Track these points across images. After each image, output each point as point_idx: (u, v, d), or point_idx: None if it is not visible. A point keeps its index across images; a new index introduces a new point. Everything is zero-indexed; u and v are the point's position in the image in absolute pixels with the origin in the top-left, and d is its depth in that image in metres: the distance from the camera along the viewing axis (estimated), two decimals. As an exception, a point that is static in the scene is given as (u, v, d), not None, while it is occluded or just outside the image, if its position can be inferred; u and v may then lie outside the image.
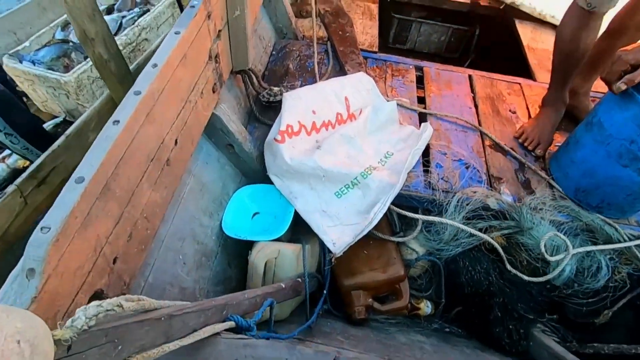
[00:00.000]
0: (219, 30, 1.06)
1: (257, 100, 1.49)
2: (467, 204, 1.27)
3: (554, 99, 1.48)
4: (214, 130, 1.15)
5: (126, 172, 0.67)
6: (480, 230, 1.29)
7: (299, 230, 1.28)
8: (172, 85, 0.80)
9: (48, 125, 1.62)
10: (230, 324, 0.63)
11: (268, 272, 1.09)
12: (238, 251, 1.23)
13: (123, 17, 1.90)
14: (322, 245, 1.22)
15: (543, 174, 1.39)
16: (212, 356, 0.57)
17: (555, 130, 1.50)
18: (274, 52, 1.75)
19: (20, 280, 0.48)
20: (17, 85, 1.63)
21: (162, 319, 0.50)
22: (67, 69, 1.61)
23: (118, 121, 0.64)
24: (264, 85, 1.49)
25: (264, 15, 1.75)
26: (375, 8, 2.17)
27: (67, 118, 1.64)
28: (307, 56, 1.75)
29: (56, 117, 1.70)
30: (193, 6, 0.90)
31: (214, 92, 1.08)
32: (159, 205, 0.83)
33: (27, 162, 1.39)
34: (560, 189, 1.34)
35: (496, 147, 1.47)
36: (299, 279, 1.07)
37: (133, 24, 1.80)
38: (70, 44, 1.69)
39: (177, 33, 0.81)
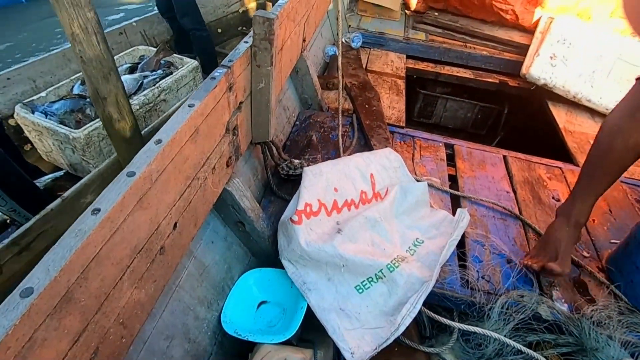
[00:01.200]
0: (240, 102, 0.99)
1: (275, 172, 1.39)
2: (514, 312, 1.06)
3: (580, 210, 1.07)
4: (224, 206, 1.03)
5: (100, 274, 0.53)
6: (530, 345, 1.05)
7: (310, 327, 1.07)
8: (177, 163, 0.69)
9: (47, 179, 1.56)
10: None
11: (269, 388, 0.87)
12: (237, 350, 1.03)
13: (145, 77, 1.93)
14: (337, 350, 1.00)
15: (602, 277, 1.17)
16: None
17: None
18: (297, 122, 1.69)
19: None
20: (23, 132, 1.61)
21: None
22: (79, 124, 1.59)
23: (98, 210, 0.52)
24: (284, 156, 1.40)
25: (290, 85, 1.73)
26: (402, 83, 2.16)
27: (69, 171, 1.58)
28: (331, 128, 1.68)
29: (58, 168, 1.65)
30: (214, 78, 0.83)
31: (228, 166, 0.97)
32: (142, 304, 0.67)
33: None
34: (626, 299, 1.11)
35: (543, 240, 1.28)
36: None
37: (154, 84, 1.81)
38: (88, 99, 1.69)
39: (190, 106, 0.73)
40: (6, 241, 0.98)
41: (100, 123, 1.52)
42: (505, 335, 1.03)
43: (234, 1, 3.47)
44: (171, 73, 1.96)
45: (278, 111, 1.54)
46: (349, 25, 2.60)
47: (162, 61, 2.15)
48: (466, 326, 1.04)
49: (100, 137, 1.53)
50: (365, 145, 1.63)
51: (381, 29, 2.57)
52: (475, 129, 2.67)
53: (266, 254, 1.16)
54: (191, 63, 2.11)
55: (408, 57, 2.48)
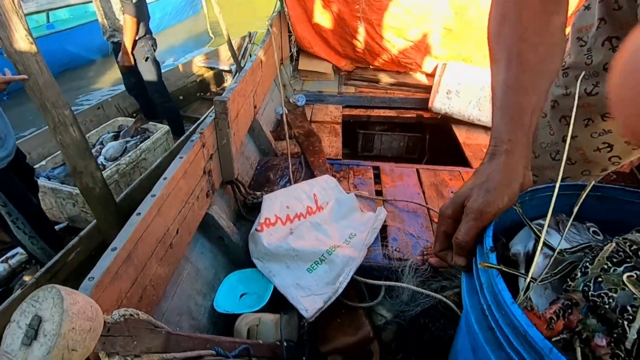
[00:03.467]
0: (211, 154, 1.50)
1: (244, 204, 1.86)
2: (420, 268, 1.52)
3: None
4: (208, 226, 1.49)
5: (142, 248, 0.98)
6: (435, 290, 1.51)
7: (280, 304, 1.49)
8: (176, 191, 1.17)
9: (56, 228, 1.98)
10: (212, 352, 0.86)
11: (251, 339, 1.28)
12: (228, 327, 1.43)
13: (127, 142, 2.44)
14: (300, 316, 1.42)
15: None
16: (196, 371, 0.79)
17: None
18: (258, 167, 2.21)
19: None
20: None
21: (163, 332, 0.75)
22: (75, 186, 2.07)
23: (140, 214, 0.98)
24: (249, 191, 1.89)
25: (249, 140, 2.27)
26: (339, 127, 2.76)
27: (69, 224, 2.00)
28: (285, 167, 2.21)
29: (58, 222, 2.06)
30: (193, 140, 1.34)
31: (207, 197, 1.45)
32: (163, 278, 1.11)
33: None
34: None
35: (440, 221, 1.79)
36: (277, 342, 1.26)
37: (136, 147, 2.31)
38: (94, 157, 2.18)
39: (180, 157, 1.22)
40: (42, 270, 1.38)
41: None
42: (415, 285, 1.49)
43: (192, 73, 4.19)
44: (148, 137, 2.49)
45: (241, 160, 2.05)
46: (294, 89, 3.25)
47: (139, 128, 2.70)
48: (387, 283, 1.49)
49: None
50: (312, 176, 2.14)
51: (320, 89, 3.24)
52: (409, 154, 3.27)
53: (242, 260, 1.60)
54: (163, 128, 2.65)
55: (344, 107, 3.12)
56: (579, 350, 0.36)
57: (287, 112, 2.73)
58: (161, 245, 1.08)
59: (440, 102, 2.82)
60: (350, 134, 3.14)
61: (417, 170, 2.21)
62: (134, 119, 2.76)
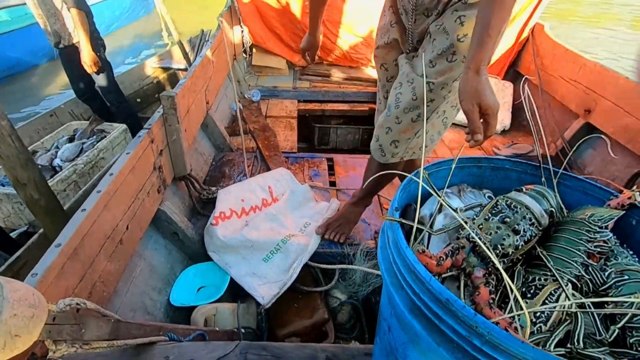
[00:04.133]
0: (161, 150, 1.49)
1: (199, 199, 1.87)
2: (372, 252, 1.62)
3: (365, 200, 1.69)
4: (160, 222, 1.48)
5: (89, 244, 0.98)
6: (385, 271, 1.61)
7: (238, 295, 1.53)
8: (124, 186, 1.16)
9: (14, 234, 1.87)
10: (164, 337, 0.88)
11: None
12: (186, 320, 1.44)
13: (83, 143, 2.37)
14: (258, 304, 1.46)
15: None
16: (149, 355, 0.82)
17: None
18: (213, 163, 2.20)
19: None
20: None
21: (112, 320, 0.77)
22: None
23: (84, 209, 0.98)
24: (204, 187, 1.89)
25: (203, 136, 2.26)
26: (294, 122, 2.81)
27: (28, 230, 1.90)
28: (240, 162, 2.22)
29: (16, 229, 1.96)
30: (140, 136, 1.33)
31: (158, 192, 1.45)
32: (113, 274, 1.10)
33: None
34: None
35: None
36: (235, 329, 1.30)
37: (92, 147, 2.23)
38: (40, 167, 2.06)
39: (127, 153, 1.22)
40: (2, 267, 1.32)
41: (55, 181, 1.88)
42: (367, 267, 1.58)
43: (147, 75, 4.07)
44: (104, 137, 2.41)
45: (195, 156, 2.04)
46: (249, 85, 3.25)
47: (95, 129, 2.59)
48: (340, 266, 1.57)
49: (56, 192, 1.88)
50: (268, 170, 2.18)
51: (274, 84, 3.26)
52: (364, 146, 3.39)
53: (198, 254, 1.61)
54: (121, 126, 2.58)
55: (299, 101, 3.17)
56: (462, 281, 0.44)
57: (242, 107, 2.74)
58: (110, 241, 1.08)
59: (389, 96, 2.95)
60: (306, 128, 3.19)
61: (369, 159, 2.31)
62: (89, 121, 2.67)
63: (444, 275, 0.46)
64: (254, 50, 3.39)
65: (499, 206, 0.50)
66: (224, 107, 2.76)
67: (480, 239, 0.46)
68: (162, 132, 1.50)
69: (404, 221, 0.48)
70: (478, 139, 0.69)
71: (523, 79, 1.51)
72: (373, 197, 1.75)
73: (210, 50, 2.29)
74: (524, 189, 0.54)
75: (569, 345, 0.38)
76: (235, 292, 1.56)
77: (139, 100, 3.84)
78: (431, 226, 0.55)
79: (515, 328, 0.37)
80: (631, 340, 0.40)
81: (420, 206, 0.61)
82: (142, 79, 3.99)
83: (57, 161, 2.26)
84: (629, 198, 0.52)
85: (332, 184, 2.14)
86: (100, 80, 2.82)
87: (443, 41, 1.11)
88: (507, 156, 2.46)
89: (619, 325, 0.40)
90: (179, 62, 4.17)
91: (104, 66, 2.81)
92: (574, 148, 2.19)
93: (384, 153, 1.37)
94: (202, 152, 2.16)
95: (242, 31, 3.18)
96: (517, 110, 2.86)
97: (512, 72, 3.10)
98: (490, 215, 0.49)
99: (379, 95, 1.59)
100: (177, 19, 4.06)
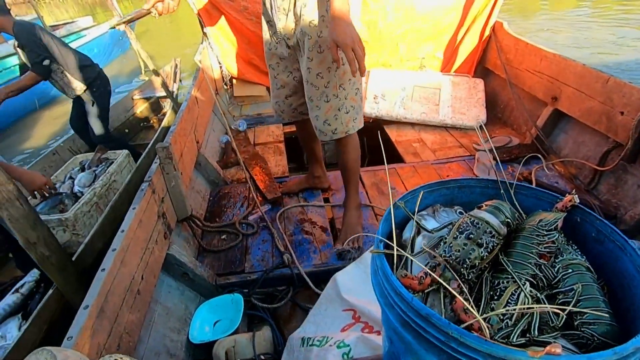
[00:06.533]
0: (162, 197, 1.58)
1: (202, 237, 1.95)
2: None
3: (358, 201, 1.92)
4: (171, 265, 1.57)
5: (112, 300, 1.06)
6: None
7: (252, 323, 1.61)
8: (134, 240, 1.25)
9: None
10: (194, 376, 0.96)
11: (230, 360, 1.38)
12: (207, 356, 1.51)
13: (94, 170, 2.65)
14: (273, 329, 1.54)
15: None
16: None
17: None
18: (210, 198, 2.29)
19: None
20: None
21: (146, 368, 0.85)
22: (62, 212, 2.15)
23: (104, 269, 1.06)
24: (206, 224, 1.98)
25: (198, 175, 2.35)
26: (282, 146, 2.92)
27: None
28: (236, 194, 2.31)
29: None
30: (142, 189, 1.42)
31: (165, 238, 1.53)
32: (136, 324, 1.18)
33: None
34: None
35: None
36: (254, 358, 1.37)
37: (104, 172, 2.52)
38: (64, 194, 2.31)
39: (133, 208, 1.31)
40: (27, 324, 1.41)
41: (81, 204, 2.07)
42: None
43: (131, 106, 4.33)
44: (112, 163, 2.67)
45: (193, 195, 2.13)
46: (233, 115, 3.36)
47: (101, 158, 2.82)
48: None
49: (83, 214, 2.09)
50: (264, 198, 2.27)
51: (258, 111, 3.38)
52: (352, 159, 3.51)
53: (209, 290, 1.69)
54: (123, 152, 2.80)
55: (284, 124, 3.29)
56: (441, 293, 0.54)
57: (232, 138, 2.84)
58: (129, 294, 1.16)
59: (369, 107, 3.08)
60: (295, 149, 3.30)
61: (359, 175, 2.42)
62: (92, 153, 2.94)
63: (427, 290, 0.56)
64: (234, 82, 3.51)
65: (464, 224, 0.60)
66: (212, 142, 2.86)
67: (448, 257, 0.56)
68: (161, 181, 1.59)
69: (386, 252, 0.58)
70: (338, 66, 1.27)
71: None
72: (358, 189, 1.96)
73: (193, 92, 2.40)
74: (483, 206, 0.64)
75: (527, 335, 0.48)
76: (250, 321, 1.64)
77: (127, 130, 4.12)
78: (412, 247, 0.65)
79: (479, 328, 0.47)
80: (576, 323, 0.50)
81: (402, 231, 0.72)
82: (126, 110, 4.27)
83: (76, 188, 2.56)
84: (570, 201, 0.63)
85: (326, 200, 2.24)
86: (95, 127, 3.04)
87: (307, 42, 1.52)
88: (486, 150, 2.58)
89: (566, 312, 0.49)
90: (159, 90, 4.42)
91: (100, 114, 3.04)
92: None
93: (325, 134, 1.73)
94: (198, 190, 2.25)
95: (221, 66, 3.31)
96: (490, 105, 3.01)
97: (481, 69, 3.26)
98: (457, 234, 0.59)
99: None
100: (153, 52, 4.25)
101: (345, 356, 1.18)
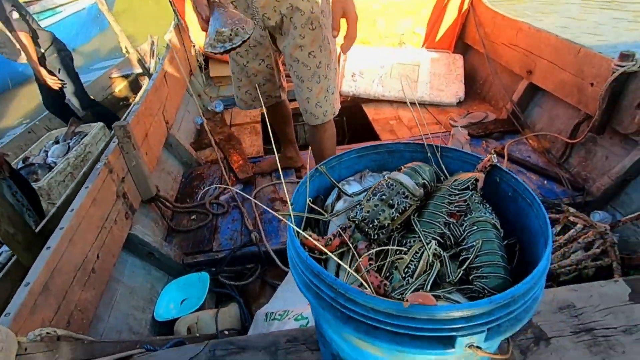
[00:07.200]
0: (123, 177, 1.55)
1: (172, 217, 1.93)
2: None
3: None
4: (134, 245, 1.55)
5: (59, 278, 1.05)
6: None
7: (221, 300, 1.62)
8: (87, 219, 1.23)
9: None
10: (141, 350, 0.96)
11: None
12: (173, 333, 1.52)
13: (68, 143, 2.63)
14: (241, 305, 1.55)
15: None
16: (127, 368, 0.90)
17: None
18: (182, 180, 2.27)
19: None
20: None
21: (85, 341, 0.85)
22: (36, 182, 2.17)
23: (49, 247, 1.05)
24: (176, 205, 1.96)
25: (169, 156, 2.32)
26: (258, 126, 2.88)
27: None
28: (209, 175, 2.29)
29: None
30: (97, 168, 1.40)
31: (127, 218, 1.52)
32: (90, 302, 1.18)
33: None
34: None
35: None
36: (217, 333, 1.38)
37: (79, 143, 2.52)
38: (36, 164, 2.34)
39: (86, 187, 1.28)
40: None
41: (54, 173, 2.09)
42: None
43: (108, 85, 4.26)
44: (86, 135, 2.67)
45: (163, 176, 2.10)
46: (210, 97, 3.30)
47: (74, 131, 2.81)
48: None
49: (57, 183, 2.12)
50: (237, 179, 2.25)
51: (235, 92, 3.31)
52: (333, 139, 3.48)
53: (177, 269, 1.68)
54: (98, 124, 2.80)
55: (261, 105, 3.24)
56: (350, 253, 0.54)
57: (206, 120, 2.79)
58: (82, 272, 1.15)
59: (347, 86, 3.04)
60: (273, 130, 3.27)
61: (333, 152, 2.40)
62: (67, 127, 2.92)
63: (336, 252, 0.55)
64: (209, 62, 3.43)
65: (379, 186, 0.59)
66: (187, 123, 2.81)
67: (358, 218, 0.55)
68: (120, 160, 1.56)
69: (296, 214, 0.57)
70: (335, 34, 1.26)
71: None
72: None
73: (160, 71, 2.34)
74: (402, 168, 0.63)
75: (421, 291, 0.48)
76: (219, 299, 1.65)
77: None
78: (332, 211, 0.64)
79: (378, 286, 0.46)
80: (471, 277, 0.50)
81: (327, 196, 0.71)
82: (104, 89, 4.21)
83: (50, 159, 2.55)
84: (489, 161, 0.62)
85: (300, 179, 2.22)
86: (69, 89, 3.00)
87: (298, 17, 1.47)
88: (462, 126, 2.57)
89: (463, 267, 0.49)
90: (137, 67, 4.35)
91: (68, 76, 2.97)
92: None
93: (316, 117, 1.67)
94: (169, 171, 2.23)
95: (194, 46, 3.22)
96: (469, 80, 2.98)
97: (461, 45, 3.21)
98: (371, 196, 0.58)
99: None
100: (134, 31, 4.16)
101: (302, 327, 1.20)
